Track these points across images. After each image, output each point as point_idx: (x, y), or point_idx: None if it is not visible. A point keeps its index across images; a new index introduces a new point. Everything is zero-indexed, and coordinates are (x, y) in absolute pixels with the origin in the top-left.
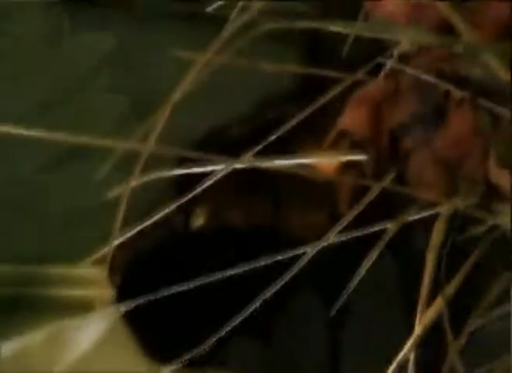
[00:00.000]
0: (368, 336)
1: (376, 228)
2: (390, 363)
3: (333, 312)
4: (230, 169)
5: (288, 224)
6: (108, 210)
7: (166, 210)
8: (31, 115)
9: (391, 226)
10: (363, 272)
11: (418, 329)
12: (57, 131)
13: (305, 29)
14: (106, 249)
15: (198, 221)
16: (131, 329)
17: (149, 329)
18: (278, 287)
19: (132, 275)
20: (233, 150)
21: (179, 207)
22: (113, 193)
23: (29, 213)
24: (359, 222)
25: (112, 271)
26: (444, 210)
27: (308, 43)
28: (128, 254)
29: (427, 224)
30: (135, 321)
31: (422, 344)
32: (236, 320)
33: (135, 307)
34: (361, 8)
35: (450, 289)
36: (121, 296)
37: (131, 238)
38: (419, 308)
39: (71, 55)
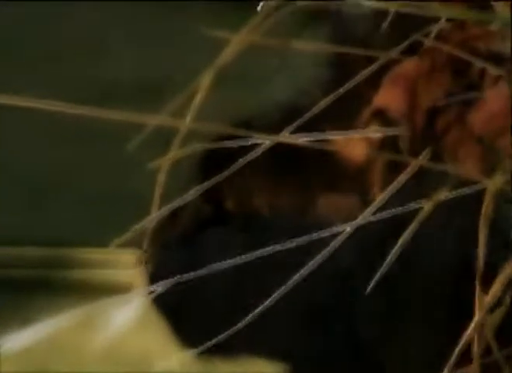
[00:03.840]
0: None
1: (411, 207)
2: None
3: (368, 290)
4: (266, 145)
5: (317, 209)
6: (139, 193)
7: (195, 192)
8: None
9: (426, 205)
10: (399, 250)
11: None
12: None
13: (337, 10)
14: (137, 231)
15: (227, 207)
16: (160, 314)
17: (178, 314)
18: (314, 267)
19: (164, 263)
20: (268, 132)
21: (207, 194)
22: (152, 165)
23: (60, 195)
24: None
25: (144, 259)
26: (491, 185)
27: (339, 24)
28: (159, 242)
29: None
30: (164, 306)
31: None
32: (268, 303)
33: (165, 292)
34: None
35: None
36: (153, 282)
37: (162, 227)
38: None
39: None
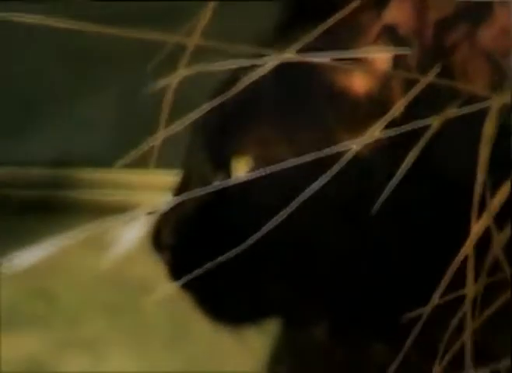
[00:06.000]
0: None
1: (420, 124)
2: None
3: (375, 211)
4: (277, 62)
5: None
6: (146, 113)
7: (201, 112)
8: None
9: (434, 122)
10: (406, 169)
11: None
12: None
13: None
14: (143, 151)
15: (241, 171)
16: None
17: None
18: (323, 183)
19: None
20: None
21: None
22: (161, 83)
23: (63, 114)
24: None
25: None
26: (495, 103)
27: None
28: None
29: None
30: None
31: None
32: (277, 221)
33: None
34: None
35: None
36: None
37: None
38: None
39: None
